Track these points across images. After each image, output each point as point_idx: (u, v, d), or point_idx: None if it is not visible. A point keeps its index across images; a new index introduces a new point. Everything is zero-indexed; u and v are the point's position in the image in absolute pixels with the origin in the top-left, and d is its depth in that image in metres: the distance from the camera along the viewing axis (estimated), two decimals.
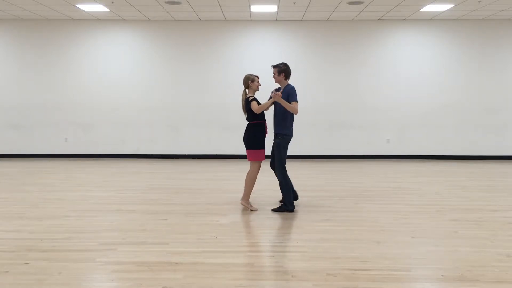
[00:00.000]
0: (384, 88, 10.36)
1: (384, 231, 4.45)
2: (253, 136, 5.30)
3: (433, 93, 10.33)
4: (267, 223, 4.82)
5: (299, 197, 5.66)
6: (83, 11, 9.34)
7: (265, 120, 5.36)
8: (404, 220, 4.90)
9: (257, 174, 5.37)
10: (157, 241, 4.07)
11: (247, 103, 5.26)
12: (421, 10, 9.21)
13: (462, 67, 10.30)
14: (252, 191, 5.56)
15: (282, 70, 5.29)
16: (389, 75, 10.34)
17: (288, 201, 5.29)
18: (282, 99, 5.13)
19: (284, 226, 4.72)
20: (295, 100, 5.20)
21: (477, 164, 9.69)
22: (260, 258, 3.71)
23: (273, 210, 5.33)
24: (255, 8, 9.07)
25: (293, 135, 5.42)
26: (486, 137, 10.37)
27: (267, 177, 6.79)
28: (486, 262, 3.54)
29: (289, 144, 5.42)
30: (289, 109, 5.15)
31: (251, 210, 5.33)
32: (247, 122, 5.40)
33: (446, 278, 3.24)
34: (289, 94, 5.19)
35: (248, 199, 5.40)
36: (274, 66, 5.36)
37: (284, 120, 5.26)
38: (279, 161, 5.29)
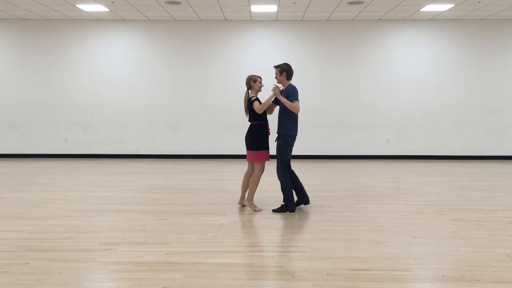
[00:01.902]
0: (384, 88, 10.36)
1: (384, 231, 4.45)
2: (255, 137, 5.29)
3: (433, 93, 10.33)
4: (267, 223, 4.82)
5: (310, 202, 5.49)
6: (83, 11, 9.34)
7: (267, 121, 5.33)
8: (404, 220, 4.89)
9: (260, 176, 5.35)
10: (157, 241, 4.07)
11: (249, 104, 5.25)
12: (421, 10, 9.22)
13: (462, 67, 10.31)
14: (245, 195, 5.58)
15: (284, 70, 5.29)
16: (389, 75, 10.34)
17: (289, 202, 5.28)
18: (282, 96, 5.11)
19: (284, 226, 4.72)
20: (296, 99, 5.13)
21: (477, 164, 9.69)
22: (260, 258, 3.71)
23: (274, 210, 5.31)
24: (255, 8, 9.07)
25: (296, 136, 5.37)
26: (486, 137, 10.37)
27: (267, 177, 6.79)
28: (486, 262, 3.54)
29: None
30: (289, 107, 5.09)
31: (255, 211, 5.31)
32: (249, 123, 5.39)
33: (446, 278, 3.24)
34: (290, 93, 5.15)
35: (252, 200, 5.38)
36: (276, 66, 5.35)
37: (287, 120, 5.22)
38: (280, 161, 5.26)
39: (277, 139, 5.29)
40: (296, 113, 5.19)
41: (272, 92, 5.16)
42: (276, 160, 5.35)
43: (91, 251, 3.80)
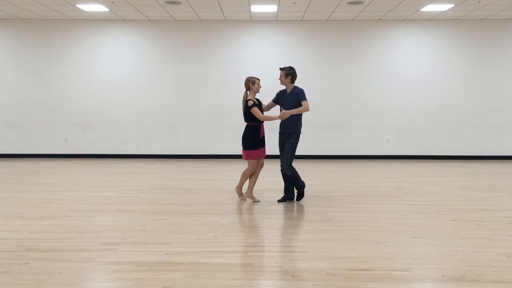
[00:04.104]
0: (384, 88, 10.36)
1: (384, 231, 4.45)
2: (248, 137, 5.54)
3: (433, 93, 10.33)
4: (267, 223, 4.82)
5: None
6: (83, 11, 9.34)
7: (261, 123, 5.55)
8: (404, 220, 4.89)
9: (251, 172, 5.65)
10: (157, 241, 4.07)
11: (246, 106, 5.44)
12: (421, 10, 9.22)
13: (462, 67, 10.30)
14: (253, 191, 5.82)
15: (289, 74, 5.53)
16: (389, 75, 10.34)
17: (301, 186, 5.67)
18: (291, 111, 5.39)
19: (284, 226, 4.72)
20: (305, 99, 5.48)
21: (477, 164, 9.68)
22: (260, 258, 3.71)
23: (297, 199, 5.72)
24: (255, 8, 9.07)
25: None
26: (486, 137, 10.37)
27: (268, 177, 6.80)
28: (486, 262, 3.54)
29: None
30: (302, 111, 5.46)
31: (240, 199, 5.75)
32: (246, 123, 5.62)
33: (446, 278, 3.24)
34: (299, 95, 5.48)
35: (240, 189, 5.80)
36: (281, 69, 5.58)
37: (296, 119, 5.53)
38: (289, 159, 5.53)
39: (289, 137, 5.54)
40: (307, 111, 5.53)
41: (280, 115, 5.41)
42: (282, 157, 5.64)
43: (91, 251, 3.79)
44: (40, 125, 10.48)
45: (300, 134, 5.61)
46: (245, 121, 5.57)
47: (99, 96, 10.40)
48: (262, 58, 10.11)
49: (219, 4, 8.69)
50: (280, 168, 5.68)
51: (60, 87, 10.41)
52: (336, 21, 10.23)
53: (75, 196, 6.08)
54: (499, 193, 6.47)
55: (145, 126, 10.48)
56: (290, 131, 5.53)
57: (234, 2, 8.61)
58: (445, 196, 6.18)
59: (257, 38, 10.33)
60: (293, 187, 5.76)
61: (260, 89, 5.55)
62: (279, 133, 5.67)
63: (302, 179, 5.77)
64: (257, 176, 5.75)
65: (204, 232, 4.38)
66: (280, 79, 5.57)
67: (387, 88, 10.36)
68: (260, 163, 5.69)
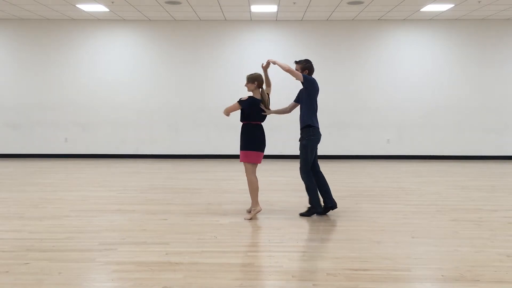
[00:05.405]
0: (384, 88, 10.36)
1: (384, 231, 4.45)
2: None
3: (433, 93, 10.33)
4: (267, 223, 4.82)
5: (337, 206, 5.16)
6: (83, 11, 9.35)
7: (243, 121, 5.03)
8: (404, 220, 4.89)
9: (250, 176, 5.02)
10: (157, 241, 4.07)
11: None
12: (421, 10, 9.22)
13: (462, 67, 10.31)
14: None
15: (306, 68, 5.10)
16: (389, 75, 10.35)
17: (316, 203, 5.00)
18: (278, 62, 4.81)
19: (284, 226, 4.71)
20: (305, 76, 4.97)
21: (477, 164, 9.68)
22: (260, 258, 3.71)
23: (301, 214, 5.04)
24: (255, 8, 9.07)
25: (320, 136, 5.13)
26: (486, 137, 10.37)
27: (266, 177, 6.79)
28: (486, 262, 3.54)
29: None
30: (286, 67, 4.84)
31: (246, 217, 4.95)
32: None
33: (446, 278, 3.24)
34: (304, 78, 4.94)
35: (255, 205, 5.00)
36: (297, 62, 5.14)
37: (308, 113, 5.05)
38: (303, 162, 5.04)
39: (301, 139, 5.09)
40: (292, 73, 4.93)
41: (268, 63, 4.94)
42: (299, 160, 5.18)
43: (91, 251, 3.79)
44: (40, 125, 10.49)
45: (316, 133, 5.00)
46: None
47: (99, 96, 10.41)
48: (262, 58, 10.07)
49: (219, 4, 8.69)
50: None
51: (60, 87, 10.41)
52: (336, 21, 10.23)
53: (75, 196, 6.08)
54: (499, 193, 6.47)
55: (145, 126, 10.49)
56: (300, 125, 5.02)
57: (234, 2, 8.61)
58: (445, 196, 6.18)
59: (257, 38, 10.33)
60: (325, 196, 5.07)
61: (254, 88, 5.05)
62: None
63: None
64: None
65: (204, 232, 4.38)
66: None
67: (387, 88, 10.36)
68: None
